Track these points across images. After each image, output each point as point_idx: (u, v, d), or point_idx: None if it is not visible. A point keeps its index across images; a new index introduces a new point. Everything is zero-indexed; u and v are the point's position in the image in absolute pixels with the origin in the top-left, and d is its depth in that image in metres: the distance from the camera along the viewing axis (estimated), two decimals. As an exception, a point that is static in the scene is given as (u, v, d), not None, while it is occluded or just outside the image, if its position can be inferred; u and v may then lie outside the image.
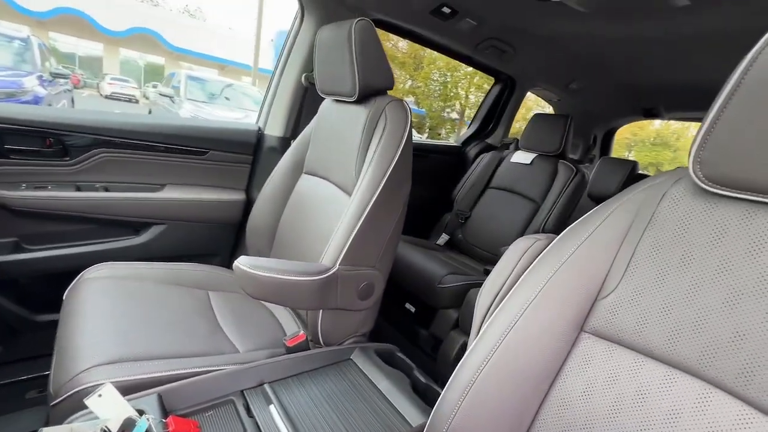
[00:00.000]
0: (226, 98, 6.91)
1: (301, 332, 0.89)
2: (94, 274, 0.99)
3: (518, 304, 0.58)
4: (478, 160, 2.08)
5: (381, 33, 1.21)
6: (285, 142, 1.40)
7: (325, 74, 1.07)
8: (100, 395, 0.58)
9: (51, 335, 0.86)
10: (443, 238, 2.02)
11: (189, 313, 0.95)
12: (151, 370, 0.71)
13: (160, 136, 1.23)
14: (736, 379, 0.43)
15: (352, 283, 0.91)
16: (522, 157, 1.92)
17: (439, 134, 14.88)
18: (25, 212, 1.07)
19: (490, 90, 2.16)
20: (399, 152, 0.93)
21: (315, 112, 1.23)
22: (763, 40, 0.43)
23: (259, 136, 1.42)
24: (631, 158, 2.82)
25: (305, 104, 1.41)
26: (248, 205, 1.40)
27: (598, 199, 2.50)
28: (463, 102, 13.50)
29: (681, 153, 20.05)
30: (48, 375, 0.77)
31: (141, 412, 0.60)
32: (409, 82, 13.65)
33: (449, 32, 1.49)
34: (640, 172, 2.43)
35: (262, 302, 1.13)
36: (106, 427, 0.56)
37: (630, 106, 2.42)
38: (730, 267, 0.46)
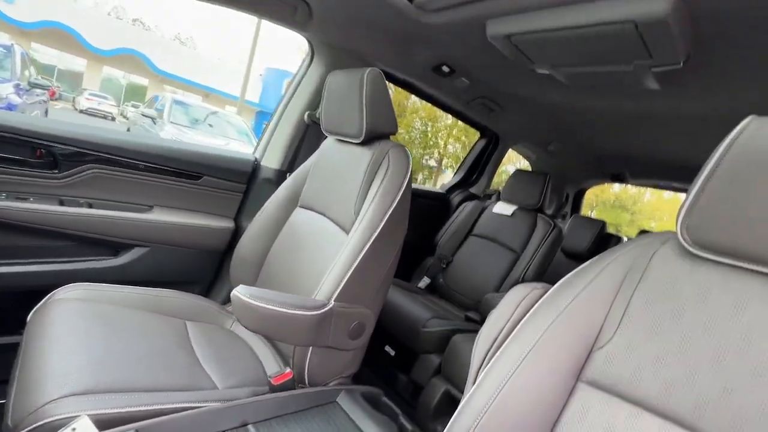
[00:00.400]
0: (210, 125, 6.89)
1: (288, 370, 0.86)
2: (65, 294, 0.93)
3: (516, 353, 0.60)
4: (461, 207, 2.16)
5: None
6: (281, 175, 1.42)
7: (333, 115, 1.12)
8: (74, 429, 0.53)
9: (6, 360, 0.79)
10: (424, 282, 2.03)
11: (166, 343, 0.89)
12: (127, 403, 0.66)
13: (157, 157, 1.21)
14: None
15: (344, 321, 0.90)
16: (503, 208, 2.01)
17: (416, 179, 15.35)
18: (-1, 223, 1.01)
19: (476, 143, 2.30)
20: (400, 194, 0.96)
21: (313, 149, 1.26)
22: (737, 129, 0.51)
23: (255, 166, 1.43)
24: (593, 217, 3.02)
25: (305, 141, 1.45)
26: (236, 233, 1.38)
27: (569, 254, 2.63)
28: (441, 151, 14.11)
29: (637, 216, 21.56)
30: (2, 405, 0.70)
31: (117, 451, 0.55)
32: (391, 128, 14.19)
33: (445, 88, 1.61)
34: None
35: (241, 336, 1.08)
36: (78, 466, 0.51)
37: (600, 170, 2.63)
38: (716, 324, 0.50)
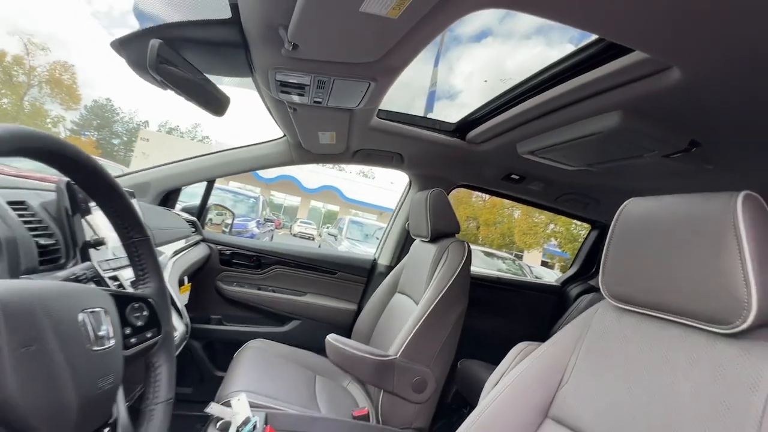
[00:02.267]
0: (377, 238, 8.35)
1: (365, 408, 1.17)
2: (253, 344, 1.53)
3: (500, 387, 0.80)
4: (579, 299, 2.11)
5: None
6: (389, 269, 1.88)
7: (414, 223, 1.56)
8: (238, 399, 1.00)
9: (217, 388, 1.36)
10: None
11: (300, 383, 1.34)
12: (265, 402, 1.11)
13: (311, 260, 1.87)
14: None
15: (407, 374, 1.18)
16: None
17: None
18: (231, 300, 1.77)
19: (588, 234, 2.29)
20: (454, 277, 1.27)
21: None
22: (620, 209, 0.70)
23: (374, 263, 1.95)
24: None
25: (407, 243, 1.91)
26: (357, 313, 1.85)
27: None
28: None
29: None
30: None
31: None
32: (552, 226, 13.53)
33: (524, 191, 1.87)
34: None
35: (350, 392, 1.45)
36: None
37: None
38: (642, 367, 0.62)
